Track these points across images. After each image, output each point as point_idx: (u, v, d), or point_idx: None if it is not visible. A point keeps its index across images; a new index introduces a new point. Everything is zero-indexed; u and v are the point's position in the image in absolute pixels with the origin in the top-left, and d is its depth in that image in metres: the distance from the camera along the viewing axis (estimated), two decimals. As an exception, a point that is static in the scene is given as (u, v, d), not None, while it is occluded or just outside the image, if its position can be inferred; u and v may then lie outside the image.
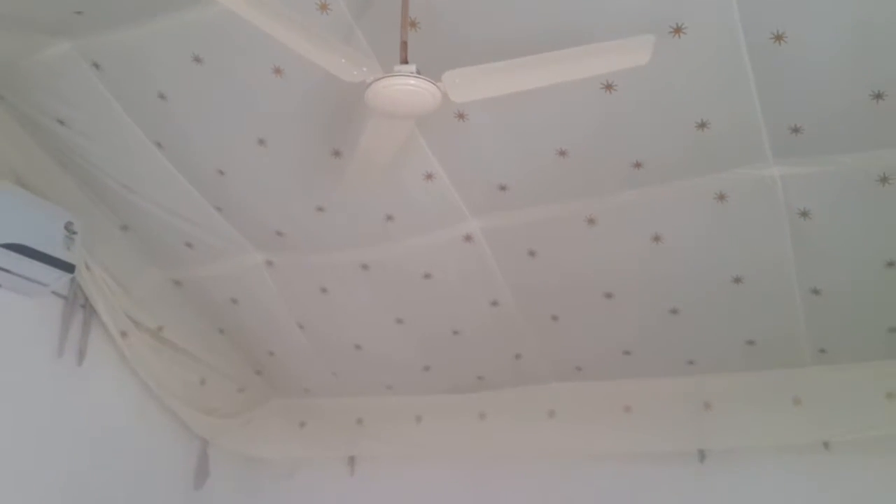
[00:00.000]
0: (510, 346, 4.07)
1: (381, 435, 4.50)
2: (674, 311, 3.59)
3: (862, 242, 3.11)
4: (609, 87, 2.74)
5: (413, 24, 2.54)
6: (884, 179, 2.85)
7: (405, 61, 2.26)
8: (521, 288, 3.72)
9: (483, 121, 2.98)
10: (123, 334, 3.85)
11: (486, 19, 2.58)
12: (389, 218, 3.50)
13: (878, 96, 2.58)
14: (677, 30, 2.52)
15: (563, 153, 3.04)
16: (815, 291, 3.34)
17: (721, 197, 3.09)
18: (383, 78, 2.20)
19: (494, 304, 3.81)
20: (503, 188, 3.26)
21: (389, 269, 3.77)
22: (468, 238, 3.53)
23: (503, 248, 3.55)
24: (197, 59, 2.94)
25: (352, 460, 4.53)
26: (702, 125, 2.82)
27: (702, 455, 3.84)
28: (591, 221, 3.31)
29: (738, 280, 3.37)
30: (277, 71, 2.91)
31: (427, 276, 3.75)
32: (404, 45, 2.30)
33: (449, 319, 3.99)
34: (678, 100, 2.77)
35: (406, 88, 2.20)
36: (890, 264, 3.13)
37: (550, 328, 3.87)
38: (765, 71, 2.61)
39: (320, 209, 3.51)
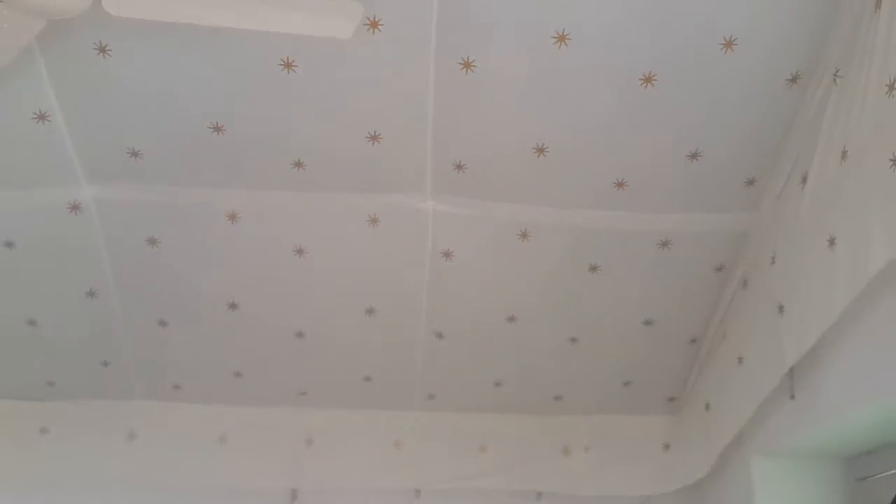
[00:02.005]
0: (98, 351, 3.42)
1: None
2: (299, 335, 3.31)
3: (492, 294, 3.16)
4: (288, 65, 2.42)
5: None
6: (525, 235, 2.94)
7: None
8: (130, 281, 3.14)
9: (128, 63, 2.44)
10: None
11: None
12: (-30, 158, 2.71)
13: (541, 150, 2.64)
14: (374, 23, 2.31)
15: (217, 129, 2.61)
16: (439, 335, 3.33)
17: (373, 220, 2.93)
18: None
19: (91, 294, 3.16)
20: (135, 154, 2.71)
21: (-46, 225, 2.93)
22: (75, 207, 2.88)
23: (119, 228, 2.96)
24: None
25: None
26: (374, 138, 2.64)
27: (294, 494, 3.57)
28: (231, 217, 2.91)
29: (370, 311, 3.23)
30: None
31: (7, 244, 2.98)
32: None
33: (26, 305, 3.22)
34: (357, 99, 2.54)
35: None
36: (511, 319, 3.23)
37: (154, 335, 3.33)
38: (446, 95, 2.51)
39: None
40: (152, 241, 2.99)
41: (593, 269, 3.00)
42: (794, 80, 2.35)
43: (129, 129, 2.65)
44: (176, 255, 3.04)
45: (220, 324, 3.27)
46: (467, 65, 2.41)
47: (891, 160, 1.90)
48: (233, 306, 3.21)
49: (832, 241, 2.21)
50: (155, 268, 3.08)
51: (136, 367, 3.51)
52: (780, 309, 2.55)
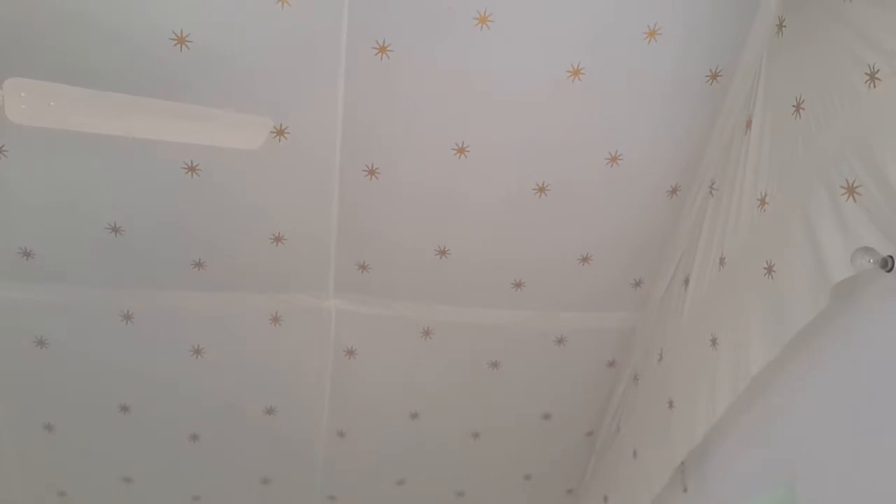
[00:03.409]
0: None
1: None
2: (194, 437, 3.20)
3: (395, 391, 3.17)
4: (192, 168, 2.43)
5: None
6: (427, 332, 2.98)
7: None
8: (14, 384, 2.98)
9: (25, 164, 2.39)
10: None
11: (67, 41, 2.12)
12: None
13: (442, 252, 2.72)
14: (280, 131, 2.37)
15: (115, 230, 2.57)
16: (341, 434, 3.29)
17: (276, 320, 2.91)
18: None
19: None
20: (27, 254, 2.62)
21: None
22: (-43, 307, 2.74)
23: (4, 329, 2.82)
24: None
25: None
26: (277, 239, 2.66)
27: None
28: (126, 317, 2.83)
29: (270, 411, 3.17)
30: None
31: None
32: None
33: None
34: (261, 202, 2.57)
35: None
36: (413, 416, 3.24)
37: (39, 440, 3.14)
38: (350, 198, 2.58)
39: None
40: (41, 343, 2.87)
41: (493, 365, 3.07)
42: (673, 191, 2.54)
43: (22, 229, 2.57)
44: (66, 357, 2.91)
45: (111, 427, 3.13)
46: (371, 172, 2.50)
47: (764, 268, 2.06)
48: (124, 409, 3.08)
49: (714, 341, 2.35)
50: (43, 370, 2.93)
51: (19, 475, 3.28)
52: (670, 404, 2.66)
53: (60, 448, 3.20)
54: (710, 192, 2.45)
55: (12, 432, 3.13)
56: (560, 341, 2.99)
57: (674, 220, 2.62)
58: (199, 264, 2.70)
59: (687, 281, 2.59)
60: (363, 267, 2.79)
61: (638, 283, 2.83)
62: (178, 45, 2.11)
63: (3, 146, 2.35)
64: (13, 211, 2.52)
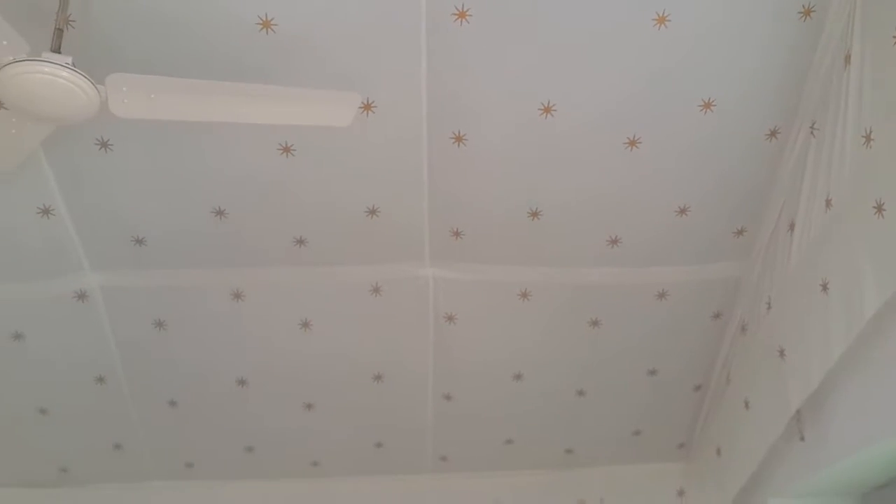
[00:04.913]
0: (110, 435, 3.45)
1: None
2: (308, 406, 3.34)
3: (497, 353, 3.20)
4: (287, 149, 2.50)
5: (70, 22, 2.06)
6: (525, 295, 2.99)
7: (58, 50, 1.78)
8: (138, 365, 3.18)
9: (129, 155, 2.52)
10: None
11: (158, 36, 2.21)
12: (-22, 255, 2.77)
13: (534, 214, 2.71)
14: (367, 106, 2.40)
15: (219, 213, 2.69)
16: (447, 397, 3.36)
17: (376, 290, 2.98)
18: (25, 62, 1.70)
19: (100, 380, 3.20)
20: (139, 241, 2.78)
21: (-34, 321, 2.98)
22: (81, 296, 2.93)
23: (125, 313, 3.01)
24: None
25: None
26: (371, 212, 2.71)
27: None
28: (237, 296, 2.96)
29: (378, 378, 3.26)
30: None
31: (17, 336, 3.03)
32: (59, 32, 1.83)
33: (36, 394, 3.25)
34: (354, 178, 2.62)
35: (54, 81, 1.71)
36: (517, 377, 3.26)
37: (165, 416, 3.35)
38: (440, 167, 2.60)
39: None
40: (159, 324, 3.04)
41: (594, 323, 3.05)
42: (772, 134, 2.44)
43: (133, 219, 2.72)
44: (183, 336, 3.08)
45: (230, 400, 3.30)
46: (458, 138, 2.50)
47: (874, 207, 1.96)
48: (241, 382, 3.24)
49: (825, 286, 2.26)
50: (162, 350, 3.12)
51: (148, 449, 3.52)
52: (781, 353, 2.59)
53: (185, 422, 3.40)
54: (811, 133, 2.34)
55: (140, 410, 3.35)
56: (661, 296, 2.94)
57: (774, 164, 2.52)
58: (300, 241, 2.79)
59: (792, 226, 2.50)
60: (457, 234, 2.81)
61: (740, 232, 2.74)
62: (264, 30, 2.16)
63: (108, 140, 2.48)
64: (124, 202, 2.67)
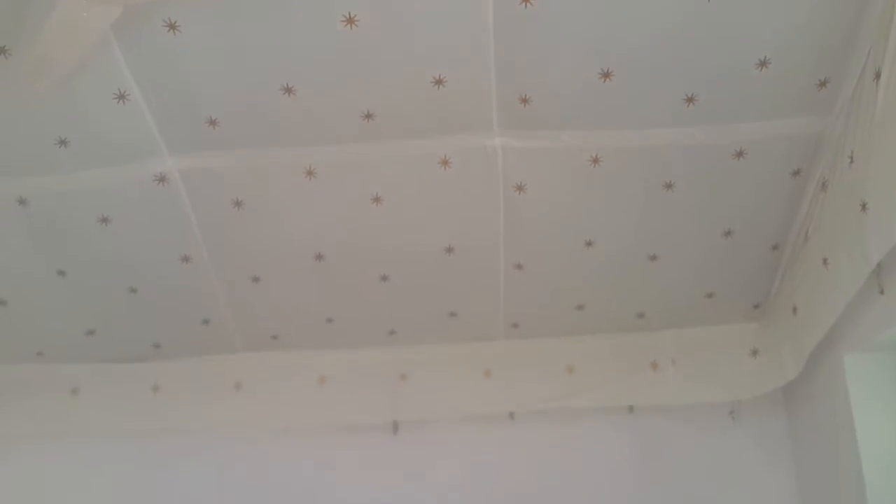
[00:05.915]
0: (198, 311, 3.63)
1: (25, 411, 3.78)
2: (384, 278, 3.44)
3: (568, 221, 3.20)
4: (350, 20, 2.46)
5: None
6: (595, 160, 2.95)
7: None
8: (220, 244, 3.30)
9: (197, 36, 2.52)
10: None
11: None
12: (63, 143, 2.85)
13: (606, 75, 2.64)
14: (430, -30, 2.33)
15: (288, 90, 2.69)
16: (519, 267, 3.40)
17: (444, 162, 2.98)
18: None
19: (185, 259, 3.34)
20: (212, 123, 2.82)
21: (54, 206, 3.11)
22: (161, 179, 3.02)
23: (204, 194, 3.10)
24: None
25: (-14, 442, 3.75)
26: (438, 82, 2.67)
27: (395, 426, 3.77)
28: (309, 173, 3.01)
29: (449, 250, 3.32)
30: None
31: (104, 220, 3.16)
32: None
33: (126, 274, 3.43)
34: (419, 48, 2.57)
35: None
36: (588, 244, 3.27)
37: (248, 291, 3.50)
38: (505, 32, 2.52)
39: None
40: (237, 203, 3.12)
41: (668, 186, 3.00)
42: (862, -26, 2.28)
43: (205, 100, 2.75)
44: (260, 215, 3.16)
45: (309, 274, 3.41)
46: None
47: (972, 48, 1.85)
48: (319, 257, 3.34)
49: (913, 136, 2.17)
50: (242, 228, 3.22)
51: (235, 323, 3.70)
52: (863, 206, 2.52)
53: (267, 296, 3.54)
54: (906, -30, 2.18)
55: (225, 286, 3.50)
56: (739, 154, 2.86)
57: (860, 7, 2.36)
58: (368, 116, 2.79)
59: (878, 74, 2.37)
60: (525, 100, 2.76)
61: (823, 84, 2.62)
62: None
63: (176, 22, 2.48)
64: (195, 84, 2.69)
